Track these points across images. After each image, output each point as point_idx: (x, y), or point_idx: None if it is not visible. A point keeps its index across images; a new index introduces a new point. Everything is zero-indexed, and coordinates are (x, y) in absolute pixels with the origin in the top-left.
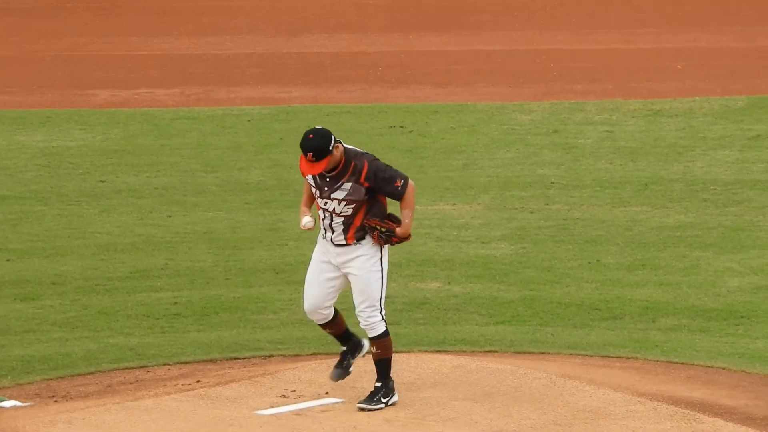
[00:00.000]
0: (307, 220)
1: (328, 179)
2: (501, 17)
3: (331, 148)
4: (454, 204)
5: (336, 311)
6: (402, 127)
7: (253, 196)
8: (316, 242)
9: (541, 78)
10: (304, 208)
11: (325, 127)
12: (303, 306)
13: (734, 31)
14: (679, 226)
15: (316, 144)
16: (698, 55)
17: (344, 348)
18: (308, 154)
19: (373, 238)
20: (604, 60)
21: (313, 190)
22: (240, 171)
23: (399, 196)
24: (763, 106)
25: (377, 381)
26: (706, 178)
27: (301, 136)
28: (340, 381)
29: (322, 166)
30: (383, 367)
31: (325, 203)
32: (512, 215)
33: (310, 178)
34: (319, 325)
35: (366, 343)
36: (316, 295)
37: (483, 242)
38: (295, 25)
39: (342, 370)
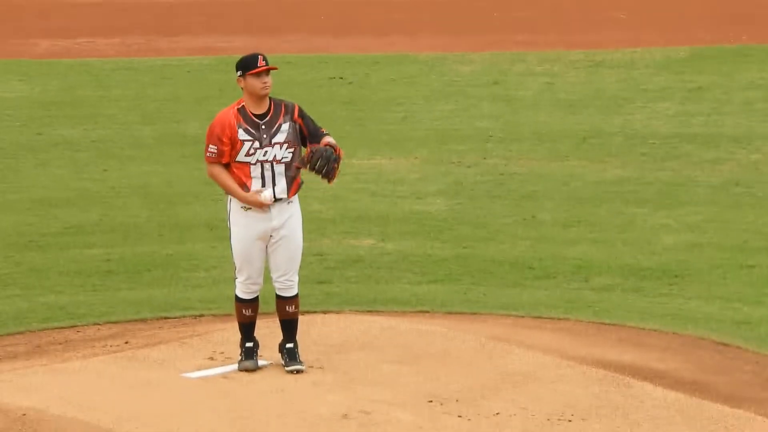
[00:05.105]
0: (266, 194)
1: (263, 126)
2: None
3: None
4: (391, 158)
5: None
6: (341, 78)
7: (189, 150)
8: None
9: (483, 28)
10: (243, 190)
11: None
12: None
13: None
14: (616, 181)
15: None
16: (641, 4)
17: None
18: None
19: (329, 173)
20: (545, 10)
21: (247, 147)
22: (178, 123)
23: (323, 134)
24: (706, 57)
25: (289, 342)
26: (645, 131)
27: None
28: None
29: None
30: (296, 327)
31: (265, 153)
32: (449, 169)
33: (242, 132)
34: (249, 301)
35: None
36: (258, 268)
37: (418, 197)
38: None
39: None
